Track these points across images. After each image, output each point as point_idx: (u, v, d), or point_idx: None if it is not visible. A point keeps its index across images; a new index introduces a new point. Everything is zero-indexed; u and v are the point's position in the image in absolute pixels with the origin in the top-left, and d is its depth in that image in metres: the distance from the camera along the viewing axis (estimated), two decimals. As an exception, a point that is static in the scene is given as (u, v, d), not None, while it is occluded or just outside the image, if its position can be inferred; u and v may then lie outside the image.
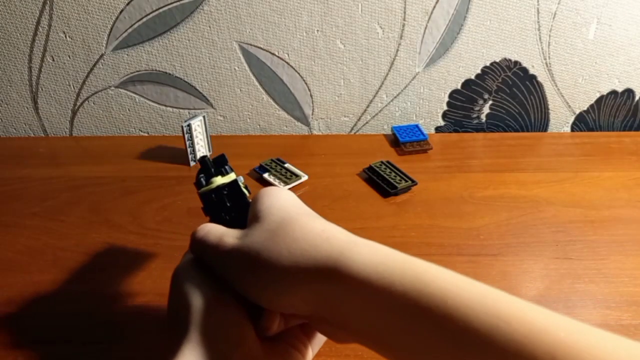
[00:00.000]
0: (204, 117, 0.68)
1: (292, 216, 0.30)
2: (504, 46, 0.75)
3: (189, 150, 0.67)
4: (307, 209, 0.32)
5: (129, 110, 0.79)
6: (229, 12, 0.71)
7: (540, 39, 0.74)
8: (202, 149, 0.69)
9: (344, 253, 0.27)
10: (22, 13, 0.70)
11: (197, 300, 0.29)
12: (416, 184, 0.62)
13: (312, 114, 0.80)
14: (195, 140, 0.67)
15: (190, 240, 0.33)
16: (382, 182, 0.63)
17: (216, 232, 0.32)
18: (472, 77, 0.77)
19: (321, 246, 0.27)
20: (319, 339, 0.35)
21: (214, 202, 0.37)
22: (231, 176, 0.38)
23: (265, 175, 0.64)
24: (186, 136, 0.66)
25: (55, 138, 0.80)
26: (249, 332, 0.29)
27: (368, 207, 0.60)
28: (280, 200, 0.32)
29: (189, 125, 0.66)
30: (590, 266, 0.50)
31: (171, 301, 0.31)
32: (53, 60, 0.74)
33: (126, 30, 0.72)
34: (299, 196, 0.34)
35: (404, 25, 0.73)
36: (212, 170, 0.38)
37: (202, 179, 0.38)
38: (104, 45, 0.73)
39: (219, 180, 0.38)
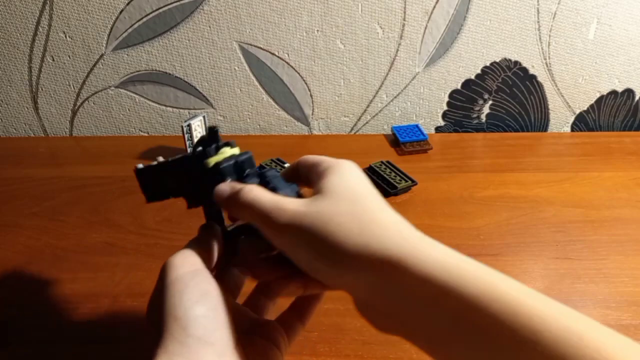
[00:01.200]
0: (204, 117, 0.68)
1: (362, 200, 0.29)
2: (504, 46, 0.75)
3: (189, 150, 0.67)
4: (375, 192, 0.31)
5: (129, 110, 0.79)
6: (229, 12, 0.71)
7: (540, 39, 0.74)
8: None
9: (417, 247, 0.26)
10: (22, 13, 0.70)
11: (185, 303, 0.27)
12: (416, 184, 0.62)
13: (312, 114, 0.80)
14: (195, 140, 0.67)
15: (230, 201, 0.31)
16: (382, 182, 0.63)
17: (269, 195, 0.30)
18: (472, 77, 0.77)
19: (394, 235, 0.27)
20: (296, 333, 0.34)
21: (229, 173, 0.33)
22: (237, 150, 0.35)
23: (265, 175, 0.64)
24: (186, 136, 0.66)
25: (55, 138, 0.80)
26: (233, 338, 0.28)
27: (368, 207, 0.60)
28: (350, 178, 0.30)
29: (189, 125, 0.66)
30: (590, 266, 0.50)
31: (157, 294, 0.29)
32: (53, 60, 0.74)
33: (126, 30, 0.72)
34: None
35: (404, 25, 0.73)
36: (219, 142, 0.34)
37: (210, 150, 0.34)
38: (104, 45, 0.73)
39: (229, 151, 0.34)
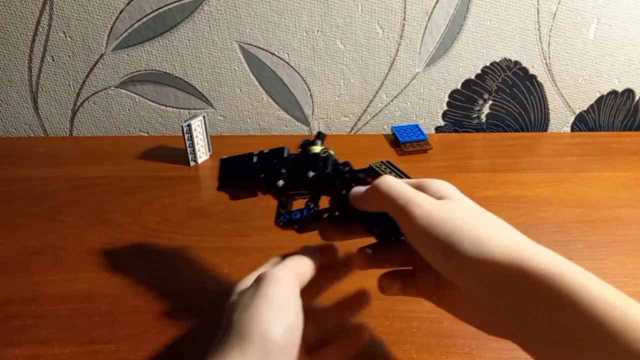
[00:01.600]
0: (204, 117, 0.68)
1: (478, 208, 0.32)
2: (504, 46, 0.75)
3: (189, 150, 0.67)
4: None
5: (129, 110, 0.79)
6: (229, 12, 0.71)
7: (540, 39, 0.74)
8: (202, 148, 0.69)
9: (531, 250, 0.28)
10: (22, 13, 0.70)
11: (277, 328, 0.28)
12: (416, 184, 0.62)
13: (312, 114, 0.80)
14: (195, 140, 0.67)
15: (370, 192, 0.33)
16: (382, 182, 0.63)
17: (408, 186, 0.32)
18: (472, 77, 0.77)
19: (512, 237, 0.29)
20: None
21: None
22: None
23: (265, 175, 0.64)
24: (186, 136, 0.66)
25: (55, 138, 0.80)
26: None
27: (368, 207, 0.60)
28: (455, 189, 0.33)
29: (189, 125, 0.66)
30: (590, 266, 0.49)
31: (249, 298, 0.30)
32: (53, 60, 0.74)
33: (126, 30, 0.72)
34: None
35: (404, 25, 0.73)
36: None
37: (316, 141, 0.42)
38: (104, 45, 0.73)
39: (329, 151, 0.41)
